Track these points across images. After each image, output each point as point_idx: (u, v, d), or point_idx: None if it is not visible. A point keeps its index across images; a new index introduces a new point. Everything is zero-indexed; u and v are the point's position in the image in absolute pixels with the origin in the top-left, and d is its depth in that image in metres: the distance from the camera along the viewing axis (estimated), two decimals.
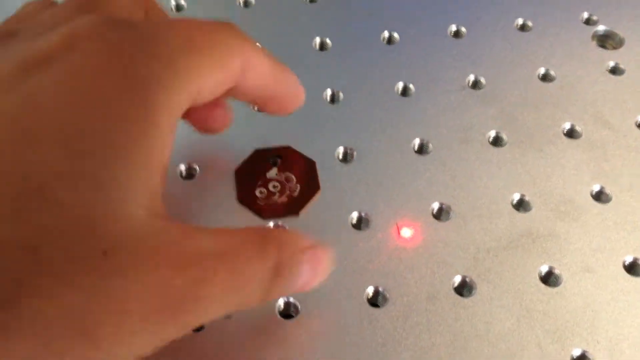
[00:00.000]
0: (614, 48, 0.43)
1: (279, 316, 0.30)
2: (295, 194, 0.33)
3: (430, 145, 0.36)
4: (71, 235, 0.18)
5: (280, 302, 0.30)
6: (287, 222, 0.32)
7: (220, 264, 0.21)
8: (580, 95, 0.39)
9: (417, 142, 0.36)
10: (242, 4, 0.43)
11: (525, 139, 0.37)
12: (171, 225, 0.21)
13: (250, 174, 0.33)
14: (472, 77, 0.40)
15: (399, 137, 0.36)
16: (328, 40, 0.41)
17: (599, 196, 0.35)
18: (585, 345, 0.29)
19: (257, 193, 0.33)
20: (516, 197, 0.34)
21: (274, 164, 0.34)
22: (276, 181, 0.33)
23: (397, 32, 0.42)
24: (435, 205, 0.34)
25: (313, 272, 0.25)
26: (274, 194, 0.33)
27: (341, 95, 0.38)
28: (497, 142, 0.37)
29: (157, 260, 0.19)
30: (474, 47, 0.41)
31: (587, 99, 0.39)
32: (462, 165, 0.35)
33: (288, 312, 0.30)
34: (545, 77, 0.40)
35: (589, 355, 0.29)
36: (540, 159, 0.36)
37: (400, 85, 0.39)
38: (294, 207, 0.32)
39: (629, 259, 0.32)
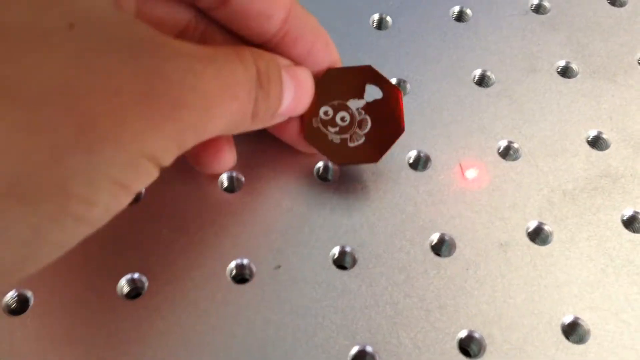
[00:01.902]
0: None
1: (334, 267, 0.27)
2: (353, 143, 0.27)
3: (493, 76, 0.32)
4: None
5: (335, 250, 0.27)
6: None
7: (206, 63, 0.20)
8: None
9: (477, 72, 0.32)
10: None
11: (598, 69, 0.33)
12: (144, 24, 0.19)
13: (338, 86, 0.27)
14: (535, 0, 0.35)
15: (456, 67, 0.32)
16: None
17: None
18: None
19: (322, 113, 0.27)
20: (592, 133, 0.31)
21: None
22: (350, 115, 0.27)
23: None
24: (502, 143, 0.30)
25: (297, 90, 0.25)
26: (335, 124, 0.27)
27: (389, 20, 0.34)
28: (566, 72, 0.33)
29: (137, 45, 0.18)
30: None
31: None
32: (529, 98, 0.32)
33: (342, 263, 0.27)
34: (615, 1, 0.36)
35: None
36: (616, 90, 0.32)
37: (456, 8, 0.35)
38: (371, 153, 0.27)
39: None
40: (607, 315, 0.26)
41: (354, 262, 0.27)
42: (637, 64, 0.33)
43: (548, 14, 0.35)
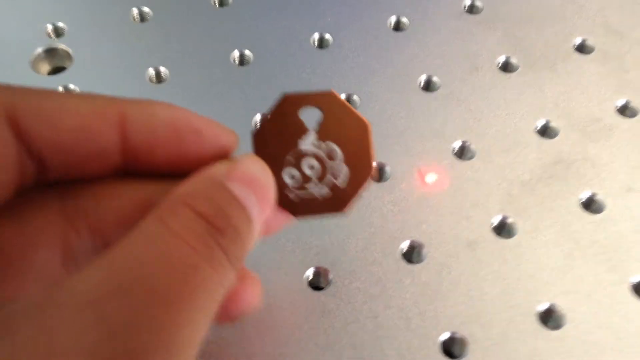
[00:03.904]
0: None
1: (310, 288, 0.27)
2: (340, 180, 0.21)
3: (438, 80, 0.33)
4: None
5: (309, 272, 0.27)
6: None
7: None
8: (584, 6, 0.36)
9: (423, 78, 0.33)
10: None
11: (537, 60, 0.34)
12: None
13: (276, 142, 0.20)
14: (468, 1, 0.36)
15: (402, 76, 0.33)
16: None
17: (625, 110, 0.32)
18: None
19: (287, 178, 0.20)
20: (540, 123, 0.31)
21: (310, 127, 0.21)
22: (314, 157, 0.21)
23: None
24: (457, 144, 0.31)
25: (257, 193, 0.18)
26: (309, 179, 0.20)
27: (329, 37, 0.35)
28: (507, 67, 0.34)
29: None
30: None
31: (591, 8, 0.36)
32: (475, 97, 0.32)
33: (318, 284, 0.27)
34: None
35: None
36: (557, 79, 0.33)
37: (393, 19, 0.35)
38: (338, 201, 0.21)
39: None
40: (580, 297, 0.26)
41: (329, 281, 0.27)
42: (574, 50, 0.34)
43: (482, 13, 0.36)
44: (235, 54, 0.34)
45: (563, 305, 0.26)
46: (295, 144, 0.20)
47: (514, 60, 0.34)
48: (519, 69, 0.33)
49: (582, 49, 0.34)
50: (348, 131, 0.21)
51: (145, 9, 0.35)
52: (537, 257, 0.27)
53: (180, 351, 0.14)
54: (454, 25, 0.35)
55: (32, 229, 0.18)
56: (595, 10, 0.36)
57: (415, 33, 0.35)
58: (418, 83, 0.33)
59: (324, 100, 0.21)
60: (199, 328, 0.15)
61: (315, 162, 0.20)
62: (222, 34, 0.34)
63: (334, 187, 0.21)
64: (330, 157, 0.21)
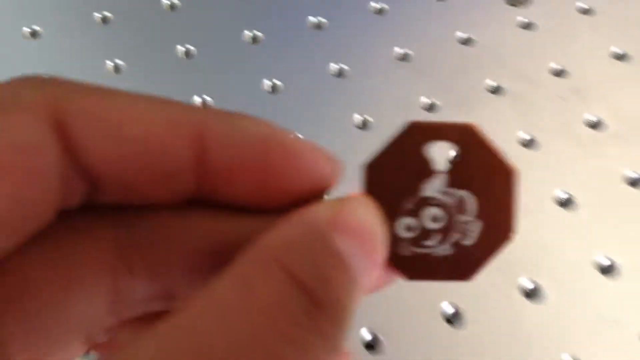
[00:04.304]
0: (522, 4, 0.46)
1: None
2: (469, 240, 0.16)
3: (372, 120, 0.39)
4: None
5: None
6: None
7: None
8: (500, 55, 0.42)
9: (360, 119, 0.39)
10: (169, 7, 0.45)
11: (458, 101, 0.40)
12: None
13: (393, 183, 0.16)
14: (400, 51, 0.42)
15: (341, 117, 0.39)
16: (258, 33, 0.43)
17: (529, 144, 0.38)
18: (531, 276, 0.33)
19: (402, 230, 0.16)
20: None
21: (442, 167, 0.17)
22: (440, 207, 0.16)
23: (323, 17, 0.44)
24: None
25: (364, 248, 0.14)
26: (429, 234, 0.16)
27: (281, 84, 0.40)
28: (432, 108, 0.40)
29: None
30: (397, 22, 0.44)
31: (506, 57, 0.42)
32: None
33: None
34: (467, 42, 0.43)
35: (538, 285, 0.32)
36: (474, 118, 0.39)
37: (335, 67, 0.41)
38: (463, 266, 0.17)
39: (561, 195, 0.36)
40: (478, 299, 0.32)
41: None
42: (490, 93, 0.40)
43: (412, 61, 0.42)
44: (197, 100, 0.39)
45: (466, 308, 0.31)
46: (417, 188, 0.16)
47: (437, 102, 0.40)
48: (442, 110, 0.39)
49: (496, 91, 0.40)
50: (488, 177, 0.17)
51: (119, 62, 0.41)
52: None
53: None
54: (389, 71, 0.41)
55: (76, 263, 0.14)
56: (509, 58, 0.42)
57: (355, 79, 0.41)
58: (356, 123, 0.39)
59: (461, 135, 0.17)
60: None
61: (440, 214, 0.17)
62: (188, 83, 0.40)
63: (460, 248, 0.16)
64: (460, 209, 0.17)
